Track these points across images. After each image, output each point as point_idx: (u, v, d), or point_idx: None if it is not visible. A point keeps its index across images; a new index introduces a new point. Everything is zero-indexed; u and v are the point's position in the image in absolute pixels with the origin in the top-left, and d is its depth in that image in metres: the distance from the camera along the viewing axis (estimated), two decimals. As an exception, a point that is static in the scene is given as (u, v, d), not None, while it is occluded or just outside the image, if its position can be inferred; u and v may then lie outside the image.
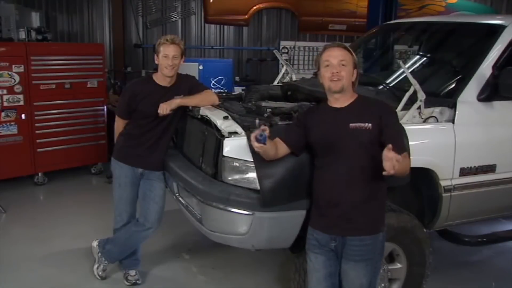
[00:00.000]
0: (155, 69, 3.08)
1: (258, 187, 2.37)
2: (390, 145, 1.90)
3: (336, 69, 2.17)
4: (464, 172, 2.82)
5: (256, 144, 2.14)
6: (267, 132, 2.12)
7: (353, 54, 2.24)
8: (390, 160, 1.87)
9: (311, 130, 2.29)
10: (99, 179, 5.70)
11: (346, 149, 2.17)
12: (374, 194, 2.20)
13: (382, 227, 2.24)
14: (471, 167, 2.84)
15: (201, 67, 6.64)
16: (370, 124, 2.14)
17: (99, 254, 3.31)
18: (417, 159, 2.55)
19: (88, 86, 5.52)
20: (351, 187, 2.16)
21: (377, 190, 2.21)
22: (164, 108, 2.91)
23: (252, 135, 2.15)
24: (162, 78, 3.02)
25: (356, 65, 2.24)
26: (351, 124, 2.15)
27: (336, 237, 2.20)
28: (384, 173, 1.91)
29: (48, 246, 3.84)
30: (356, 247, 2.17)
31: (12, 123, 4.99)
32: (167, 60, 2.93)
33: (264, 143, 2.13)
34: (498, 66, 2.90)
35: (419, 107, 2.72)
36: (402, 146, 2.18)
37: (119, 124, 3.16)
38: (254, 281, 3.40)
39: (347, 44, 2.30)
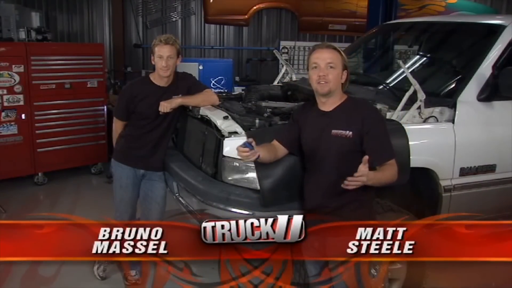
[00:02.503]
0: (154, 69, 3.07)
1: (258, 187, 2.37)
2: (366, 157, 1.91)
3: (324, 72, 2.12)
4: (464, 172, 2.82)
5: (247, 154, 2.09)
6: (253, 143, 2.09)
7: (343, 54, 2.19)
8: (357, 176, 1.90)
9: (301, 131, 2.28)
10: (99, 179, 5.69)
11: (327, 156, 2.16)
12: (358, 199, 2.15)
13: None
14: (471, 167, 2.84)
15: (201, 67, 6.66)
16: (350, 132, 2.11)
17: (99, 254, 3.30)
18: (417, 159, 2.56)
19: (88, 86, 5.50)
20: (334, 192, 2.14)
21: (361, 194, 2.12)
22: (165, 106, 2.90)
23: (240, 149, 2.10)
24: (159, 78, 2.99)
25: (346, 66, 2.19)
26: (333, 131, 2.13)
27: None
28: (342, 184, 1.94)
29: (48, 246, 3.84)
30: None
31: (12, 123, 4.98)
32: (162, 61, 2.88)
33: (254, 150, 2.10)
34: (498, 66, 2.90)
35: (419, 107, 2.72)
36: (381, 157, 2.10)
37: (118, 126, 3.14)
38: (254, 281, 3.40)
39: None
